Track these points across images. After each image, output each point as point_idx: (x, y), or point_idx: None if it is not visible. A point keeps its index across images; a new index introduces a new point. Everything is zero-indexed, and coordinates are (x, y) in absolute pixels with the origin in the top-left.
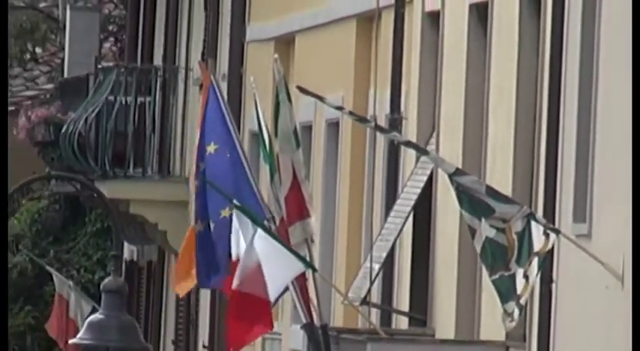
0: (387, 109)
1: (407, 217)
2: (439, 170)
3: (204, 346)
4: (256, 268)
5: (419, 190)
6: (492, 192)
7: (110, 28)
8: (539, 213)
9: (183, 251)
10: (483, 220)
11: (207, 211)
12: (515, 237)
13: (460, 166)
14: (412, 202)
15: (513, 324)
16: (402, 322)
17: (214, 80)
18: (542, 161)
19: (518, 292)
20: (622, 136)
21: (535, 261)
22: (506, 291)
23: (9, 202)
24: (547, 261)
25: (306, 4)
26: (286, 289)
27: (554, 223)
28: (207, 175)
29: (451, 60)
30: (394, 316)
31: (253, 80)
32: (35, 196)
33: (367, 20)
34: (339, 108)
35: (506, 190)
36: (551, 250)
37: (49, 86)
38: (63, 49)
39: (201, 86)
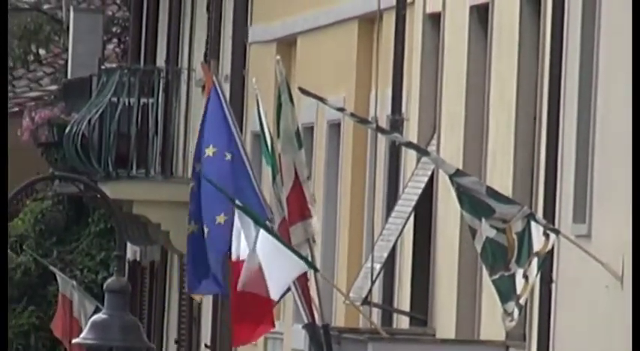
0: (389, 110)
1: (408, 218)
2: (440, 171)
3: (206, 346)
4: (258, 268)
5: (420, 191)
6: (493, 192)
7: (113, 29)
8: (539, 213)
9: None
10: (484, 220)
11: (201, 213)
12: (515, 237)
13: (461, 167)
14: (413, 203)
15: (513, 324)
16: (403, 322)
17: (217, 81)
18: (542, 162)
19: (518, 292)
20: (621, 137)
21: (535, 261)
22: (506, 291)
23: (12, 202)
24: (547, 261)
25: (308, 6)
26: (288, 289)
27: (554, 224)
28: (204, 178)
29: (452, 61)
30: (395, 315)
31: (255, 81)
32: (39, 197)
33: (369, 22)
34: (341, 109)
35: (507, 190)
36: (551, 251)
37: (53, 87)
38: (66, 50)
39: (203, 87)
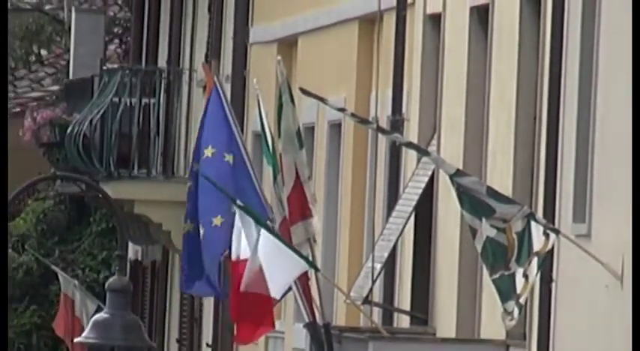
0: (389, 111)
1: (408, 218)
2: (440, 171)
3: (207, 345)
4: (259, 269)
5: (420, 191)
6: (493, 192)
7: (115, 30)
8: (539, 213)
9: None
10: (484, 220)
11: (197, 213)
12: (515, 237)
13: (461, 167)
14: (413, 203)
15: (513, 323)
16: (403, 321)
17: (218, 82)
18: (542, 162)
19: (518, 291)
20: (621, 136)
21: (535, 261)
22: (506, 290)
23: (15, 202)
24: (547, 261)
25: (309, 7)
26: (289, 288)
27: (553, 223)
28: (202, 178)
29: (452, 62)
30: (396, 315)
31: (256, 82)
32: (41, 197)
33: (369, 22)
34: (342, 109)
35: (507, 190)
36: (551, 250)
37: (55, 88)
38: (68, 51)
39: (204, 88)
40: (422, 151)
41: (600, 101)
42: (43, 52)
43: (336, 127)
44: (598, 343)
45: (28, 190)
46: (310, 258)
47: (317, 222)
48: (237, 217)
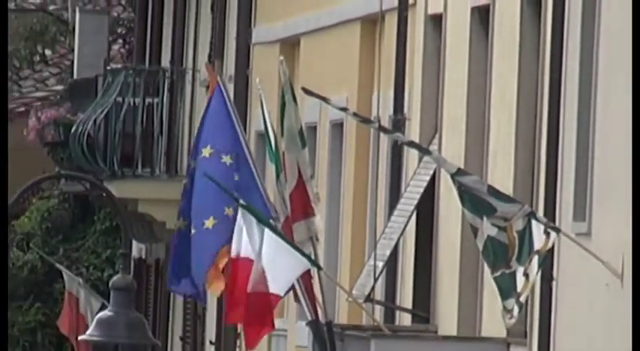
0: (391, 110)
1: (410, 216)
2: (442, 170)
3: (211, 343)
4: (262, 271)
5: (422, 190)
6: (494, 191)
7: (119, 30)
8: (540, 212)
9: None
10: (485, 218)
11: (190, 211)
12: (516, 235)
13: (462, 166)
14: (415, 202)
15: (513, 321)
16: (405, 319)
17: (221, 81)
18: (543, 161)
19: (519, 289)
20: (621, 135)
21: (535, 259)
22: (507, 288)
23: (19, 201)
24: (547, 259)
25: (311, 7)
26: (292, 286)
27: (554, 222)
28: (197, 177)
29: (453, 62)
30: (397, 313)
31: (259, 81)
32: (45, 195)
33: (371, 23)
34: (344, 109)
35: (508, 189)
36: (552, 249)
37: (59, 88)
38: (72, 51)
39: (207, 87)
40: (423, 151)
41: (600, 101)
42: (48, 52)
43: (338, 127)
44: (598, 341)
45: (32, 188)
46: (313, 256)
47: (319, 221)
48: (239, 215)
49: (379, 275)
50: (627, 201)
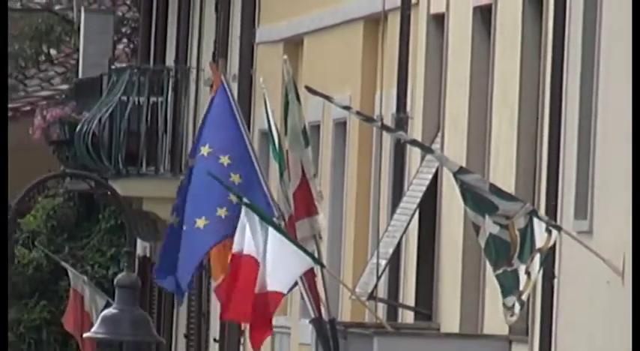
0: (394, 109)
1: (413, 214)
2: (444, 168)
3: (215, 340)
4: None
5: (424, 188)
6: (496, 189)
7: (123, 29)
8: (542, 210)
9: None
10: (487, 216)
11: (184, 209)
12: (517, 233)
13: (464, 165)
14: (418, 200)
15: (514, 319)
16: (407, 317)
17: (225, 80)
18: (545, 159)
19: (521, 287)
20: (622, 134)
21: (537, 257)
22: (509, 286)
23: (25, 199)
24: (549, 257)
25: (314, 7)
26: (295, 284)
27: (555, 220)
28: (194, 176)
29: (455, 61)
30: (400, 310)
31: (263, 81)
32: (50, 194)
33: (374, 22)
34: (347, 108)
35: (509, 187)
36: (553, 247)
37: (64, 87)
38: (77, 50)
39: (211, 86)
40: (426, 149)
41: (602, 100)
42: (53, 51)
43: (341, 126)
44: (599, 338)
45: (38, 187)
46: (316, 254)
47: (322, 219)
48: (242, 213)
49: (382, 273)
50: (628, 199)
